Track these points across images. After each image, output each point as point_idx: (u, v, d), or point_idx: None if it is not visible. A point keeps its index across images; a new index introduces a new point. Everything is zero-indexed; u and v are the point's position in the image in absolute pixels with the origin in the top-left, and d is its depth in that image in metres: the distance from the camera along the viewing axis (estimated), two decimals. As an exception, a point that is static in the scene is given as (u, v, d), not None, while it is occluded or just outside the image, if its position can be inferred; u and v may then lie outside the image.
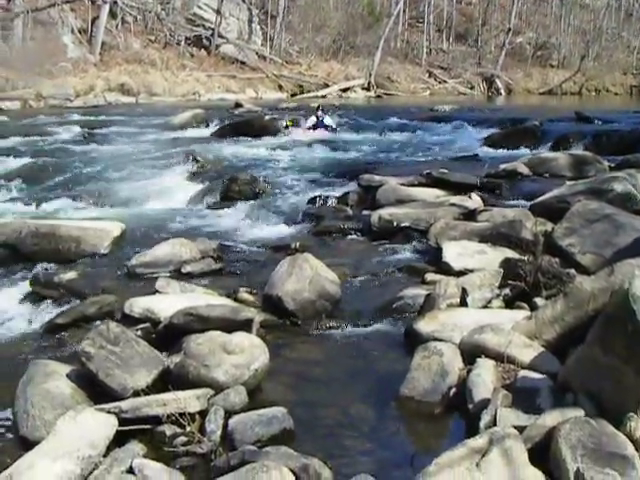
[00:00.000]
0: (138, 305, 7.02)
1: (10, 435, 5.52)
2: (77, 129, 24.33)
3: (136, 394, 5.45)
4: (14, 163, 17.22)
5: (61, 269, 8.82)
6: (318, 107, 23.77)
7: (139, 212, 12.44)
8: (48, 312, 7.91)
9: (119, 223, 10.30)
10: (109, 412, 5.17)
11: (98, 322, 6.72)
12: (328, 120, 23.21)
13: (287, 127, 22.99)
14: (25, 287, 8.61)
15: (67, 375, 5.78)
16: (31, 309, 8.13)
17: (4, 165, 16.99)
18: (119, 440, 5.05)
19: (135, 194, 13.81)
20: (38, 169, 16.42)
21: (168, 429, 5.17)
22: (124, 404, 5.24)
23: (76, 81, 38.39)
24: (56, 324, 7.40)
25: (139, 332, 6.56)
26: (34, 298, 8.34)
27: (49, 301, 8.16)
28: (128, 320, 6.84)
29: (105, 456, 4.87)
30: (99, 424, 5.06)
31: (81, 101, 36.77)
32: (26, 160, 17.38)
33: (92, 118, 28.22)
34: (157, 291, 7.63)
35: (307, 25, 56.84)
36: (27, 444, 5.21)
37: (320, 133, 22.25)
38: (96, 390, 5.61)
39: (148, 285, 8.01)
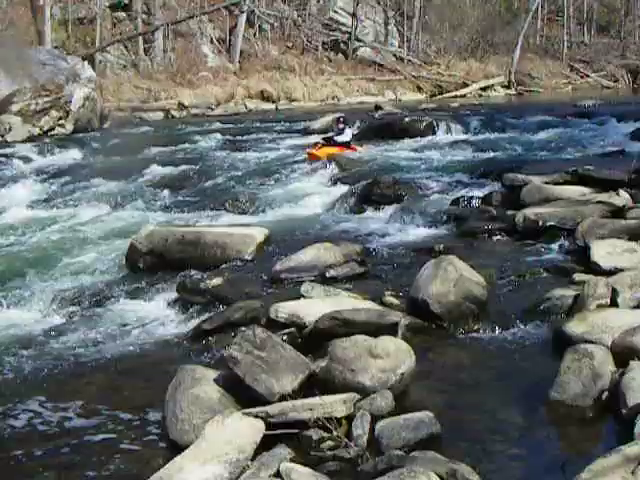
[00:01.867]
0: (283, 310, 7.05)
1: (160, 438, 5.65)
2: (219, 137, 24.78)
3: (282, 398, 5.46)
4: (159, 172, 17.68)
5: (207, 275, 8.96)
6: (339, 119, 20.44)
7: (282, 217, 12.55)
8: (195, 318, 8.09)
9: (263, 229, 10.40)
10: (256, 416, 5.20)
11: (244, 327, 6.77)
12: (346, 136, 19.51)
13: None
14: (172, 293, 8.81)
15: (214, 380, 5.84)
16: (178, 315, 8.33)
17: (149, 174, 17.46)
18: (266, 444, 5.06)
19: (278, 200, 13.96)
20: (182, 177, 16.83)
21: (315, 433, 5.16)
22: (271, 408, 5.26)
23: (217, 90, 39.11)
24: (203, 329, 7.53)
25: (285, 337, 6.59)
26: (181, 304, 8.53)
27: (195, 307, 8.33)
28: (273, 325, 6.88)
29: (252, 460, 4.89)
30: (246, 428, 5.10)
31: (222, 109, 37.46)
32: (170, 169, 17.83)
33: (233, 126, 28.68)
34: (302, 296, 7.65)
35: (444, 24, 56.29)
36: (176, 447, 5.31)
37: (329, 151, 18.45)
38: (243, 395, 5.65)
39: (293, 290, 8.04)
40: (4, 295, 9.76)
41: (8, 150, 23.70)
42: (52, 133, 28.57)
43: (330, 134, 20.11)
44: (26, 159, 22.02)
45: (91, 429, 5.92)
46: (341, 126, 19.66)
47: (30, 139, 26.80)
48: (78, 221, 13.70)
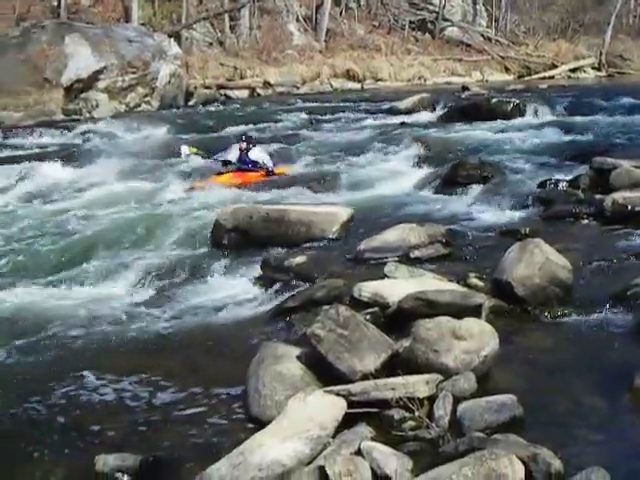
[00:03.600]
0: (367, 289, 7.03)
1: (242, 414, 5.71)
2: (304, 116, 24.84)
3: (365, 377, 5.46)
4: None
5: (291, 253, 9.01)
6: (242, 136, 16.42)
7: (367, 197, 12.53)
8: (278, 295, 8.13)
9: (347, 208, 10.38)
10: (338, 394, 5.21)
11: (327, 306, 6.77)
12: (257, 154, 15.66)
13: (188, 155, 16.73)
14: (256, 270, 8.88)
15: (297, 357, 5.88)
16: (262, 292, 8.38)
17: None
18: (347, 422, 5.07)
19: (362, 179, 13.94)
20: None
21: (396, 413, 5.16)
22: (353, 387, 5.27)
23: (302, 68, 39.19)
24: (286, 307, 7.57)
25: (368, 316, 6.57)
26: (265, 281, 8.59)
27: (279, 284, 8.37)
28: (357, 304, 6.87)
29: (333, 437, 4.90)
30: (328, 406, 5.11)
31: (307, 88, 37.55)
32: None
33: (318, 104, 28.71)
34: (386, 275, 7.63)
35: (533, 4, 55.48)
36: (258, 423, 5.36)
37: (239, 176, 15.34)
38: (325, 372, 5.66)
39: (376, 270, 8.01)
40: (91, 270, 9.97)
41: (95, 126, 24.17)
42: (138, 110, 29.01)
43: (230, 155, 15.96)
44: (112, 135, 22.46)
45: (174, 403, 6.01)
46: (243, 145, 15.65)
47: (116, 115, 27.26)
48: (163, 197, 13.89)
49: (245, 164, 15.49)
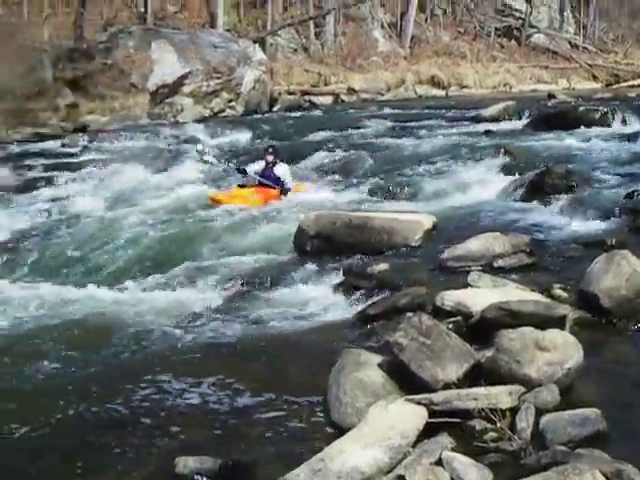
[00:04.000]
0: (449, 298, 6.99)
1: (322, 420, 5.71)
2: (388, 122, 24.79)
3: (446, 387, 5.42)
4: (327, 156, 17.84)
5: (373, 260, 8.98)
6: (269, 148, 15.22)
7: (450, 205, 12.43)
8: (360, 302, 8.11)
9: (430, 216, 10.32)
10: (419, 403, 5.17)
11: (409, 314, 6.75)
12: (282, 170, 14.67)
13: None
14: (338, 277, 8.88)
15: (378, 364, 5.86)
16: (344, 298, 8.38)
17: (317, 158, 17.64)
18: (428, 432, 5.03)
19: (445, 187, 13.84)
20: (351, 162, 16.94)
21: (478, 424, 5.10)
22: (435, 396, 5.23)
23: (387, 75, 39.15)
24: (367, 314, 7.55)
25: (450, 325, 6.52)
26: (347, 288, 8.57)
27: (361, 291, 8.36)
28: (439, 313, 6.83)
29: (414, 447, 4.87)
30: (409, 414, 5.08)
31: (391, 94, 37.48)
32: (340, 153, 17.96)
33: (402, 111, 28.63)
34: (469, 285, 7.57)
35: (623, 11, 54.55)
36: (338, 430, 5.37)
37: (261, 192, 14.36)
38: (406, 381, 5.63)
39: (459, 278, 7.94)
40: (173, 274, 10.10)
41: (179, 130, 24.52)
42: (222, 115, 29.31)
43: (255, 167, 14.87)
44: (196, 140, 22.67)
45: (254, 407, 6.03)
46: (270, 158, 14.63)
47: (201, 120, 27.56)
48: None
49: (268, 179, 14.49)
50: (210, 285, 9.44)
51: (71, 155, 21.60)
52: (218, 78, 30.75)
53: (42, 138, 24.68)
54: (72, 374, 6.94)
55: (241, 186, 14.56)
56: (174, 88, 29.82)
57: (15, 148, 23.04)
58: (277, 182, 14.42)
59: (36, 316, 8.85)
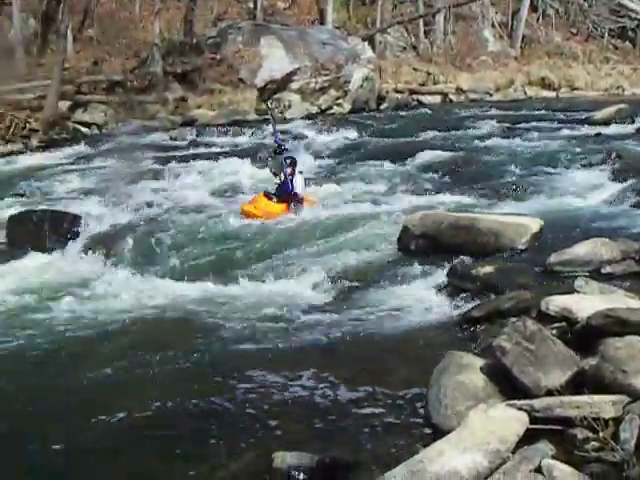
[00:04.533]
0: (555, 303, 6.86)
1: (421, 421, 5.71)
2: (496, 123, 24.48)
3: (549, 393, 5.35)
4: (433, 156, 17.71)
5: (478, 262, 8.90)
6: (287, 159, 13.84)
7: (557, 209, 12.17)
8: (463, 304, 8.08)
9: (537, 219, 10.13)
10: (520, 409, 5.12)
11: (513, 318, 6.69)
12: (300, 182, 13.67)
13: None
14: (442, 278, 8.85)
15: (480, 368, 5.83)
16: (447, 299, 8.34)
17: (424, 158, 17.53)
18: (528, 438, 4.96)
19: (553, 190, 13.58)
20: (456, 163, 16.78)
21: (580, 433, 5.01)
22: (537, 402, 5.17)
23: (496, 75, 38.63)
24: (471, 316, 7.52)
25: (554, 331, 6.41)
26: (450, 289, 8.55)
27: (465, 293, 8.32)
28: (544, 318, 6.70)
29: (513, 452, 4.81)
30: (510, 420, 5.03)
31: (500, 95, 36.95)
32: (445, 153, 17.82)
33: (511, 112, 28.21)
34: (575, 290, 7.43)
35: None
36: (437, 431, 5.36)
37: (269, 209, 13.30)
38: (508, 386, 5.59)
39: (565, 284, 7.79)
40: (276, 268, 10.20)
41: (287, 126, 24.65)
42: (329, 112, 29.38)
43: (275, 181, 13.97)
44: (303, 136, 22.86)
45: (353, 405, 6.08)
46: (289, 171, 13.64)
47: (308, 117, 27.70)
48: (349, 200, 14.00)
49: (286, 192, 13.57)
50: (313, 282, 9.50)
51: (179, 148, 21.97)
52: (326, 75, 30.84)
53: (151, 131, 25.13)
54: (174, 366, 7.10)
55: (267, 196, 13.58)
56: (282, 84, 30.03)
57: (124, 140, 23.50)
58: (294, 195, 13.53)
59: (138, 306, 9.07)
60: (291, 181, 13.52)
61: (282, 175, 13.65)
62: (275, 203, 13.38)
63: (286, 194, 13.46)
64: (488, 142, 19.96)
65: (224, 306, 8.87)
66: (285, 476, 5.01)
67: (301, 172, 13.85)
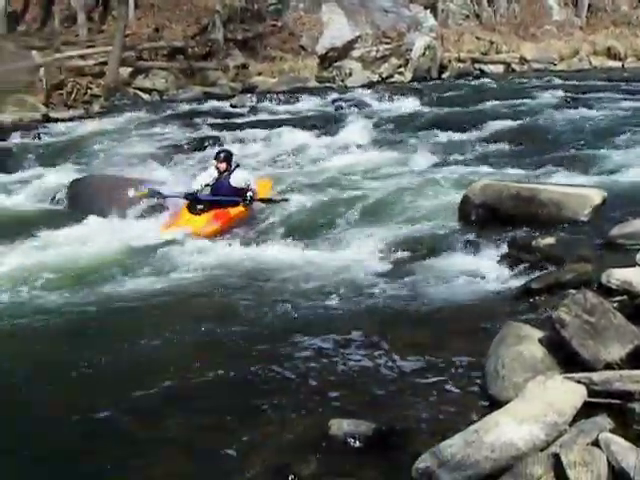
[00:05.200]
0: (616, 276, 6.75)
1: (478, 391, 5.69)
2: (559, 93, 24.08)
3: (608, 367, 5.28)
4: (494, 126, 17.52)
5: (539, 233, 8.79)
6: (219, 154, 11.83)
7: (621, 181, 11.95)
8: (523, 275, 8.00)
9: (600, 191, 9.97)
10: (579, 382, 5.07)
11: (573, 290, 6.61)
12: (239, 177, 11.66)
13: (135, 196, 11.79)
14: (501, 249, 8.75)
15: (539, 340, 5.77)
16: (507, 270, 8.26)
17: (484, 128, 17.36)
18: (586, 411, 4.92)
19: (617, 162, 13.33)
20: (518, 133, 16.59)
21: (638, 407, 4.95)
22: (595, 376, 5.11)
23: (560, 45, 37.95)
24: (530, 288, 7.44)
25: (615, 304, 6.32)
26: (510, 260, 8.46)
27: (525, 264, 8.23)
28: (604, 291, 6.62)
29: (570, 425, 4.77)
30: (567, 392, 4.99)
31: (564, 65, 36.33)
32: (506, 123, 17.62)
33: (575, 82, 27.72)
34: (637, 264, 7.31)
35: None
36: (494, 402, 5.33)
37: (218, 217, 11.33)
38: (566, 358, 5.52)
39: (627, 257, 7.60)
40: (338, 235, 10.21)
41: (347, 95, 24.66)
42: (390, 80, 29.19)
43: (205, 179, 11.67)
44: (364, 104, 22.79)
45: (410, 374, 6.09)
46: (223, 166, 11.55)
47: (368, 85, 27.55)
48: (409, 169, 13.96)
49: (220, 194, 11.53)
50: (372, 250, 9.48)
51: (239, 115, 22.05)
52: (387, 43, 30.67)
53: (211, 98, 25.24)
54: (233, 333, 7.17)
55: (192, 210, 11.36)
56: (343, 52, 29.91)
57: (185, 107, 23.67)
58: (237, 194, 11.49)
59: (200, 271, 9.21)
60: (228, 178, 11.54)
61: (214, 173, 11.58)
62: (200, 215, 11.17)
63: (227, 198, 11.43)
64: (551, 112, 19.62)
65: (284, 273, 8.91)
66: (341, 443, 5.01)
67: (238, 165, 11.90)
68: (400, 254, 9.26)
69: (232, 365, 6.36)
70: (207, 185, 11.59)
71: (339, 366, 6.31)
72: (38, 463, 5.14)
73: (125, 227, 11.21)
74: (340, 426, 5.10)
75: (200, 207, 11.26)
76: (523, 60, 35.25)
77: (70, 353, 6.88)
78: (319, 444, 5.04)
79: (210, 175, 11.61)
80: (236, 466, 4.89)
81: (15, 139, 19.45)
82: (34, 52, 25.31)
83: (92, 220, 11.50)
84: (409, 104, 22.61)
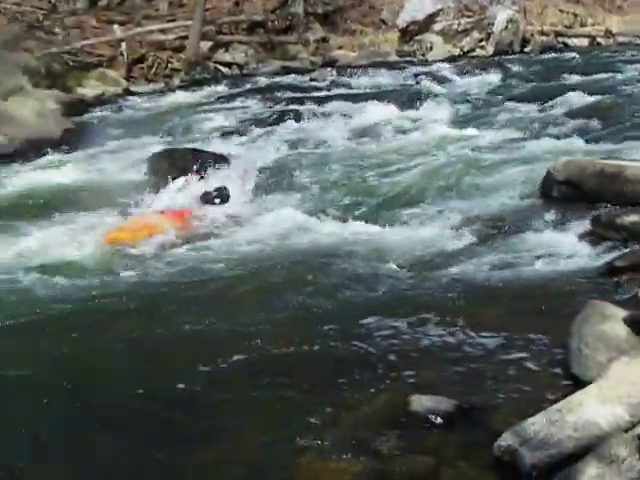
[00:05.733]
0: None
1: (560, 371, 5.61)
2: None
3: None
4: (577, 101, 17.16)
5: (624, 211, 8.57)
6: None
7: None
8: (607, 253, 7.85)
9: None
10: (664, 362, 4.98)
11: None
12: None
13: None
14: (585, 226, 8.59)
15: (623, 319, 5.66)
16: (590, 249, 8.11)
17: (567, 103, 17.03)
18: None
19: None
20: (601, 108, 16.17)
21: None
22: (685, 358, 5.01)
23: (647, 18, 37.14)
24: (615, 266, 7.33)
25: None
26: (593, 238, 8.30)
27: (609, 242, 8.08)
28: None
29: (657, 406, 4.68)
30: (653, 373, 4.90)
31: (653, 38, 35.54)
32: (593, 98, 17.23)
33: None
34: None
35: None
36: (576, 382, 5.26)
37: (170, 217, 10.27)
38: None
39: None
40: (413, 212, 10.14)
41: (428, 68, 24.53)
42: (472, 54, 28.89)
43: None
44: (445, 79, 22.59)
45: (492, 352, 6.03)
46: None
47: (449, 59, 27.35)
48: (490, 143, 13.73)
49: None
50: (451, 226, 9.38)
51: (319, 89, 21.99)
52: (469, 17, 30.33)
53: (291, 72, 25.30)
54: (312, 307, 7.19)
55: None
56: (424, 25, 29.64)
57: (264, 80, 23.76)
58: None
59: (277, 245, 9.28)
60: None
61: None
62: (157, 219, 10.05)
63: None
64: (637, 87, 19.21)
65: (362, 247, 8.88)
66: (422, 419, 5.00)
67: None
68: (479, 231, 9.13)
69: (311, 341, 6.37)
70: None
71: (417, 343, 6.28)
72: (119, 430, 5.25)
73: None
74: (420, 402, 5.09)
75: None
76: (608, 33, 34.44)
77: (159, 322, 7.07)
78: (399, 420, 5.03)
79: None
80: (316, 439, 4.90)
81: (97, 112, 19.78)
82: (115, 26, 25.66)
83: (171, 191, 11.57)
84: (491, 78, 22.32)
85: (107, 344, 6.59)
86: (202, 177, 11.63)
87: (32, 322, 7.10)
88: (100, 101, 21.43)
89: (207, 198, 10.89)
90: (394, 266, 8.14)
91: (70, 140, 16.26)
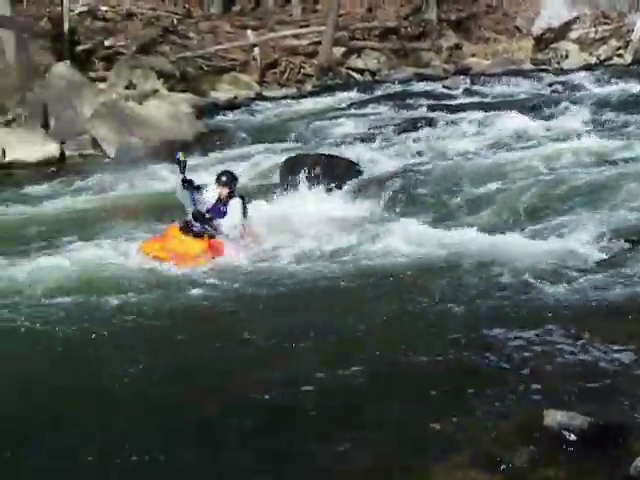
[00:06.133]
0: None
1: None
2: None
3: None
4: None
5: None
6: (221, 176, 9.87)
7: None
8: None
9: None
10: None
11: None
12: (234, 208, 9.71)
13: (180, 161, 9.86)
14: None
15: None
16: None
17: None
18: None
19: None
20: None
21: None
22: None
23: None
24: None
25: None
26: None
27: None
28: None
29: None
30: None
31: None
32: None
33: None
34: None
35: None
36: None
37: (214, 248, 9.39)
38: None
39: None
40: (547, 222, 10.05)
41: (563, 77, 24.10)
42: (609, 63, 28.28)
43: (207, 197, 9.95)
44: (581, 87, 22.24)
45: (626, 365, 5.91)
46: (225, 192, 9.78)
47: (585, 68, 26.84)
48: (632, 155, 13.36)
49: (219, 214, 9.76)
50: (588, 239, 9.17)
51: (451, 97, 21.94)
52: (607, 24, 29.73)
53: (423, 79, 25.25)
54: (435, 319, 7.15)
55: (185, 230, 9.55)
56: (560, 33, 29.21)
57: (396, 87, 23.77)
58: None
59: (400, 251, 9.24)
60: (225, 205, 9.80)
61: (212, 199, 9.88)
62: (193, 239, 9.41)
63: (206, 230, 9.54)
64: None
65: (490, 259, 8.74)
66: (555, 435, 4.91)
67: (243, 197, 10.00)
68: (618, 244, 8.91)
69: (441, 352, 6.34)
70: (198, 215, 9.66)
71: (551, 356, 6.18)
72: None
73: (337, 205, 11.41)
74: (554, 417, 5.01)
75: (196, 229, 9.52)
76: None
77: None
78: (532, 434, 4.97)
79: (209, 198, 9.97)
80: (445, 451, 4.89)
81: (229, 116, 20.13)
82: (249, 31, 26.07)
83: (304, 196, 11.71)
84: (629, 88, 21.73)
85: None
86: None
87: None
88: (232, 105, 21.83)
89: None
90: (525, 277, 7.98)
91: (203, 143, 16.58)
